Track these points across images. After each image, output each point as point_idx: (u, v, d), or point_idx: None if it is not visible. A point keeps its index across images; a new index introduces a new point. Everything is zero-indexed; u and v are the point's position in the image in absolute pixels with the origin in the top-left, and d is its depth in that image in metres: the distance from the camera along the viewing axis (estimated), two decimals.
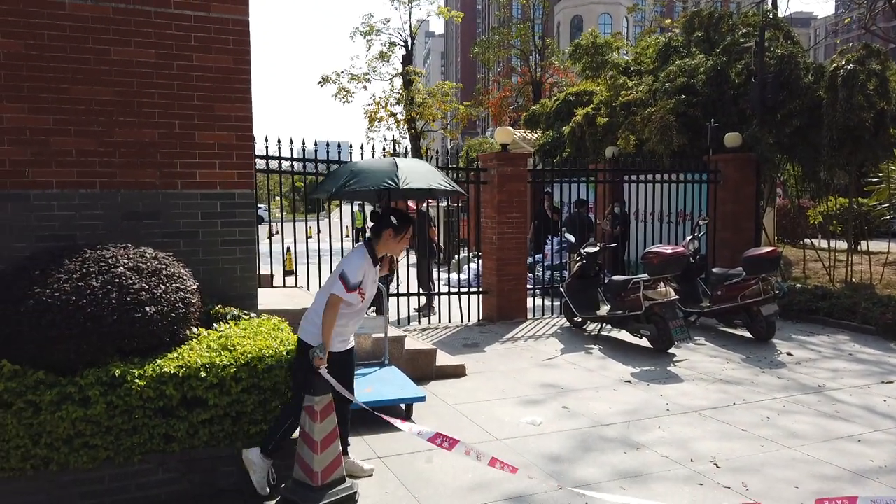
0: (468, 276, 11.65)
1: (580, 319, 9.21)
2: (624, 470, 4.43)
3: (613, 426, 5.34)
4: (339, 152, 9.00)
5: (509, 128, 10.18)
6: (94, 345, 3.76)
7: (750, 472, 4.39)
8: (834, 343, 8.35)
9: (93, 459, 3.79)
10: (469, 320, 9.78)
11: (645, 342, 8.12)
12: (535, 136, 18.87)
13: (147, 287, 3.99)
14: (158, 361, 3.93)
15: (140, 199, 5.20)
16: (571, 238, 9.55)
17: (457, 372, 6.81)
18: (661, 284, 7.81)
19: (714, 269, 9.29)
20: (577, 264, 9.05)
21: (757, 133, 11.49)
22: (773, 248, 8.87)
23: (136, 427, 3.83)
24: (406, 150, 28.53)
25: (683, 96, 12.66)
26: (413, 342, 6.87)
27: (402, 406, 5.55)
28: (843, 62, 10.96)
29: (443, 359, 6.96)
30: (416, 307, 10.15)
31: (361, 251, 4.12)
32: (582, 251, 9.02)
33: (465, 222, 17.67)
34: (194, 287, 4.48)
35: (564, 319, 9.69)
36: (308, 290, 8.65)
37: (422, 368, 6.63)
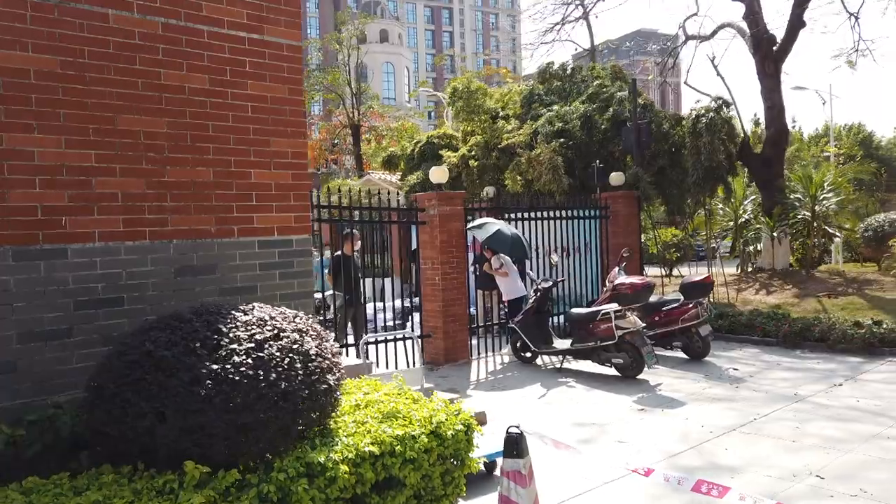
0: (393, 319, 11.22)
1: (530, 354, 9.35)
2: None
3: (685, 454, 5.50)
4: None
5: (443, 167, 10.13)
6: (284, 427, 3.05)
7: (854, 479, 4.79)
8: (754, 356, 9.42)
9: None
10: (414, 364, 9.41)
11: (611, 371, 8.46)
12: (395, 177, 18.93)
13: (320, 352, 3.34)
14: (344, 439, 3.28)
15: (195, 251, 4.36)
16: (533, 275, 9.71)
17: (481, 419, 6.52)
18: (629, 314, 8.24)
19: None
20: (533, 300, 9.21)
21: (638, 172, 12.72)
22: (707, 275, 9.82)
23: None
24: None
25: (562, 140, 13.63)
26: (440, 394, 6.46)
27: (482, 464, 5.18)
28: (704, 111, 12.62)
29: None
30: None
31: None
32: (538, 286, 9.22)
33: None
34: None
35: (503, 355, 9.77)
36: None
37: None
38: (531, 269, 10.08)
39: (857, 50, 17.25)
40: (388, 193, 10.56)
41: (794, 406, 6.77)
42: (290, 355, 3.15)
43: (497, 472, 5.16)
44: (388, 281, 12.91)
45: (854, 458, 5.20)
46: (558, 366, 9.10)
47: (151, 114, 4.18)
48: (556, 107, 14.37)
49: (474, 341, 10.60)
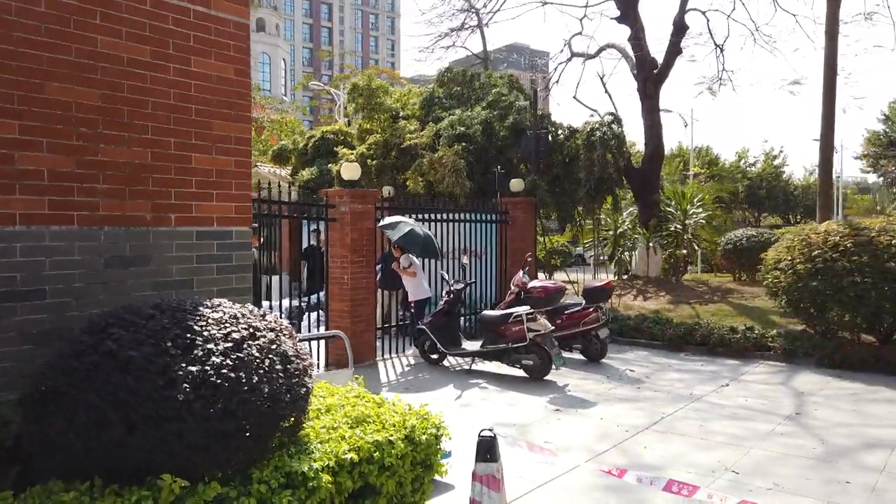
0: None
1: (438, 356, 9.33)
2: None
3: (610, 453, 5.70)
4: None
5: (356, 164, 9.88)
6: (266, 434, 2.81)
7: (765, 473, 5.16)
8: (645, 358, 9.97)
9: None
10: (319, 369, 9.11)
11: (518, 372, 8.62)
12: (286, 171, 18.26)
13: (297, 353, 3.11)
14: (319, 446, 3.08)
15: (127, 240, 3.94)
16: (447, 276, 9.65)
17: None
18: (539, 317, 8.44)
19: None
20: (444, 301, 9.19)
21: (536, 180, 13.10)
22: (608, 280, 10.24)
23: None
24: None
25: (463, 144, 13.78)
26: None
27: None
28: (598, 125, 13.24)
29: None
30: None
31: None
32: (450, 288, 9.21)
33: None
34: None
35: (408, 357, 9.69)
36: None
37: None
38: (445, 270, 10.08)
39: (720, 79, 18.82)
40: (280, 187, 10.14)
41: (694, 405, 7.23)
42: (270, 356, 2.91)
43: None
44: (275, 279, 12.40)
45: (760, 454, 5.62)
46: (467, 367, 9.15)
47: (85, 84, 3.72)
48: (457, 111, 14.50)
49: (377, 343, 10.45)
